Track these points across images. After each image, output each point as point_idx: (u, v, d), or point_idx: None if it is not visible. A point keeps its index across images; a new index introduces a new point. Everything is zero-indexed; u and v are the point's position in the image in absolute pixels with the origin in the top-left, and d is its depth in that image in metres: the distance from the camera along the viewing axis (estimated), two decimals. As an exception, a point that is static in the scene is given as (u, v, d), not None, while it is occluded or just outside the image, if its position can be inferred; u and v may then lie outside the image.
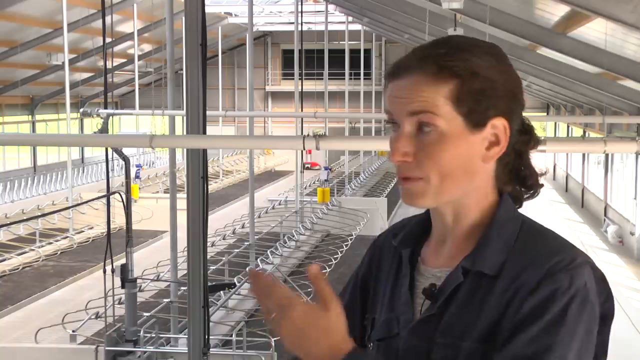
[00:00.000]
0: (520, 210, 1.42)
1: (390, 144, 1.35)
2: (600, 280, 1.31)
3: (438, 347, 1.34)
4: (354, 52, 33.25)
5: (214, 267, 14.48)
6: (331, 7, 29.11)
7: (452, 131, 1.32)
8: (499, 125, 1.35)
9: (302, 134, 8.30)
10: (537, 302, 1.25)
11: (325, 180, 23.53)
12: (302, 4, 24.36)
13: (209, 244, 8.81)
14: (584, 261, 1.30)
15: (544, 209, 27.60)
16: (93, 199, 17.59)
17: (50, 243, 18.87)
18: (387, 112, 1.38)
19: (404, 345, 1.39)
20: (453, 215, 1.40)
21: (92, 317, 11.21)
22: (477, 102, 1.32)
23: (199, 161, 6.70)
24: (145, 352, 9.43)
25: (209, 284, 7.77)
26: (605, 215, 24.38)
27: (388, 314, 1.45)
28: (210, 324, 7.35)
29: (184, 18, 6.91)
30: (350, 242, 17.93)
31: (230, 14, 35.00)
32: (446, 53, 1.33)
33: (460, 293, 1.34)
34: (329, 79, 26.86)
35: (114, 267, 9.42)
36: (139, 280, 11.17)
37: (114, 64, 29.00)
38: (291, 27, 25.28)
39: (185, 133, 7.35)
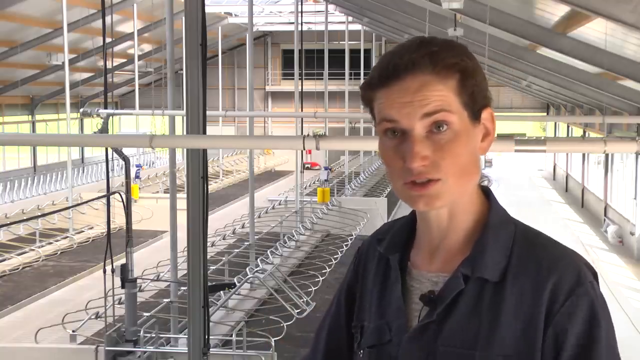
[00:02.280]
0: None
1: (405, 151, 1.29)
2: (594, 276, 1.33)
3: (441, 355, 1.32)
4: (354, 52, 33.25)
5: (214, 267, 14.47)
6: (331, 7, 29.10)
7: (463, 127, 1.31)
8: (487, 116, 1.36)
9: (302, 134, 8.30)
10: (583, 321, 1.27)
11: (325, 180, 23.52)
12: (302, 4, 24.36)
13: (209, 244, 8.81)
14: (582, 264, 1.32)
15: (544, 209, 27.60)
16: (93, 199, 17.59)
17: (50, 243, 18.86)
18: (388, 120, 1.32)
19: (402, 352, 1.36)
20: (448, 215, 1.37)
21: (92, 317, 11.19)
22: (473, 96, 1.33)
23: (199, 161, 6.70)
24: (145, 352, 9.43)
25: (209, 284, 7.77)
26: (605, 215, 24.38)
27: (378, 321, 1.43)
28: (210, 324, 7.35)
29: (184, 18, 6.91)
30: (350, 242, 17.93)
31: (230, 14, 35.00)
32: (440, 50, 1.31)
33: (462, 300, 1.33)
34: (329, 79, 26.86)
35: (114, 267, 9.41)
36: (139, 280, 11.16)
37: (114, 64, 29.00)
38: (291, 27, 25.28)
39: (185, 133, 7.34)
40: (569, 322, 1.27)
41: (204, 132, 6.70)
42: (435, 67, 1.29)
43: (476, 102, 1.33)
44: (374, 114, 1.37)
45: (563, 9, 12.17)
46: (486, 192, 1.42)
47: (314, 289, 13.62)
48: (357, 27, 32.86)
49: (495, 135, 1.40)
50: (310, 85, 29.72)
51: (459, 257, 1.36)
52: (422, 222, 1.42)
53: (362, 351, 1.45)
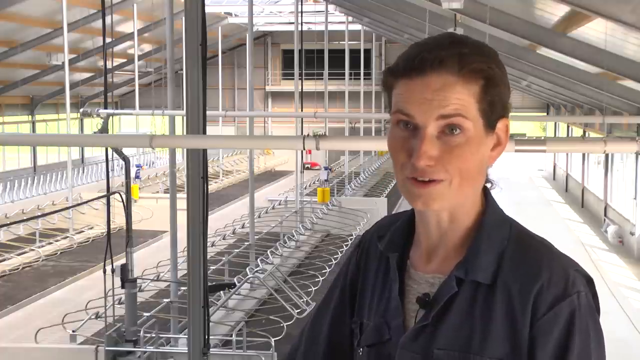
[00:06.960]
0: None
1: (414, 147, 1.29)
2: (588, 282, 1.33)
3: (437, 358, 1.33)
4: (354, 52, 33.22)
5: (214, 267, 14.46)
6: (331, 7, 29.08)
7: (477, 134, 1.31)
8: (502, 127, 1.36)
9: (302, 134, 8.29)
10: (560, 333, 1.28)
11: (325, 180, 23.51)
12: (302, 4, 24.35)
13: (209, 244, 8.81)
14: (575, 270, 1.32)
15: (544, 209, 27.60)
16: (93, 199, 17.59)
17: (50, 243, 18.85)
18: (404, 113, 1.31)
19: (398, 355, 1.37)
20: (449, 218, 1.37)
21: (92, 317, 11.18)
22: (493, 105, 1.32)
23: (199, 161, 6.70)
24: (145, 352, 9.43)
25: (209, 284, 7.77)
26: (605, 215, 24.38)
27: (378, 319, 1.43)
28: (210, 324, 7.35)
29: (184, 18, 6.91)
30: (350, 242, 17.92)
31: (230, 14, 34.99)
32: (471, 53, 1.30)
33: (456, 303, 1.33)
34: (329, 79, 26.84)
35: (114, 267, 9.41)
36: (139, 280, 11.16)
37: (114, 64, 29.00)
38: (291, 27, 25.27)
39: (185, 133, 7.34)
40: (547, 332, 1.28)
41: (204, 132, 6.70)
42: (462, 69, 1.28)
43: (494, 112, 1.33)
44: (391, 101, 1.36)
45: (563, 9, 12.17)
46: (484, 192, 1.41)
47: (314, 289, 13.61)
48: (357, 27, 32.85)
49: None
50: (310, 85, 29.70)
51: (455, 259, 1.37)
52: (420, 223, 1.42)
53: (361, 349, 1.45)
